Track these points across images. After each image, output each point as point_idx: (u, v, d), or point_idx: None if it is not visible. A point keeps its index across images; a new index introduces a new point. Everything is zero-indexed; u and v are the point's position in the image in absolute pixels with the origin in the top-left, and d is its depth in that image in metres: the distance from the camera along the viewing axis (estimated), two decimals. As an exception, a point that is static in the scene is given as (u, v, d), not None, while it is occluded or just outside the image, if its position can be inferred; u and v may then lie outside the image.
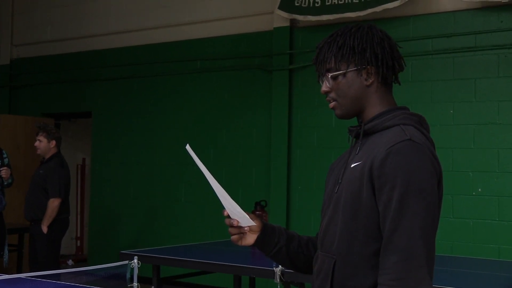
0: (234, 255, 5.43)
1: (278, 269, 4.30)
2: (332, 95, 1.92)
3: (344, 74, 1.89)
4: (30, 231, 6.53)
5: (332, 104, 1.93)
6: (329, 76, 1.90)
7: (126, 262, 3.94)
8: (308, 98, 7.13)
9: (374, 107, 1.90)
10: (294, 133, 7.31)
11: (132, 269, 3.90)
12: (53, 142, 6.46)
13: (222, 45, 7.94)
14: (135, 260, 3.92)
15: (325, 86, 1.93)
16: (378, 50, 1.88)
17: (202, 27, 8.09)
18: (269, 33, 7.50)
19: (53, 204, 6.28)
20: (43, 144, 6.43)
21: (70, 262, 9.69)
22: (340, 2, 6.80)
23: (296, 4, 7.09)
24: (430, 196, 1.73)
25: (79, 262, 9.77)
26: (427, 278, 1.70)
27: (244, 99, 7.74)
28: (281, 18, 7.30)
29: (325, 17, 6.88)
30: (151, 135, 8.46)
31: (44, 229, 6.25)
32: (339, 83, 1.90)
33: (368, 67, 1.88)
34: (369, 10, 6.55)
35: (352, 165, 1.85)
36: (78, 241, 10.43)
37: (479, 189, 6.19)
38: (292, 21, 7.31)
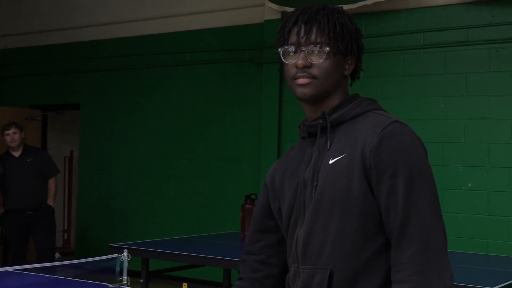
0: (223, 248, 5.40)
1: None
2: (313, 71, 1.70)
3: (334, 54, 1.71)
4: (33, 219, 6.78)
5: (306, 80, 1.70)
6: (326, 51, 1.69)
7: (116, 255, 3.89)
8: (299, 92, 7.08)
9: (337, 97, 1.74)
10: (284, 127, 7.27)
11: (122, 262, 3.85)
12: (23, 134, 6.96)
13: (213, 38, 7.88)
14: (125, 253, 3.87)
15: (304, 59, 1.70)
16: (362, 42, 1.79)
17: (193, 19, 8.02)
18: (260, 25, 7.45)
19: (56, 181, 7.05)
20: (18, 136, 6.86)
21: (57, 255, 9.61)
22: (331, -5, 6.77)
23: (287, -3, 7.05)
24: (431, 177, 1.63)
25: (65, 255, 9.70)
26: (449, 266, 1.58)
27: (234, 92, 7.69)
28: (272, 11, 7.25)
29: (316, 10, 6.83)
30: (140, 128, 8.39)
31: (53, 204, 6.94)
32: (326, 62, 1.70)
33: (352, 56, 1.75)
34: (360, 3, 6.52)
35: (331, 161, 1.67)
36: (65, 234, 10.36)
37: (469, 184, 6.18)
38: (283, 13, 7.26)
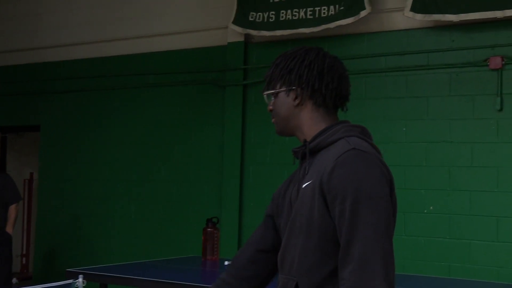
0: (184, 273, 5.31)
1: None
2: (272, 113, 2.00)
3: (276, 94, 1.96)
4: None
5: (272, 120, 2.01)
6: (264, 95, 1.99)
7: (71, 281, 3.79)
8: (262, 114, 7.06)
9: (310, 128, 1.93)
10: (247, 149, 7.23)
11: (77, 288, 3.75)
12: None
13: (176, 60, 7.84)
14: (80, 279, 3.77)
15: (269, 104, 2.01)
16: (304, 72, 1.91)
17: (156, 41, 7.98)
18: (223, 48, 7.44)
19: (17, 208, 6.94)
20: None
21: (14, 280, 9.38)
22: (294, 18, 6.79)
23: (250, 19, 7.05)
24: (381, 202, 1.73)
25: (24, 280, 9.47)
26: (383, 284, 1.69)
27: (197, 114, 7.64)
28: (235, 33, 7.24)
29: (279, 33, 6.85)
30: (102, 150, 8.27)
31: (11, 232, 6.81)
32: (274, 103, 1.98)
33: (295, 88, 1.92)
34: (323, 26, 6.55)
35: (304, 185, 1.86)
36: (24, 259, 10.12)
37: (431, 207, 6.20)
38: (247, 36, 7.27)
